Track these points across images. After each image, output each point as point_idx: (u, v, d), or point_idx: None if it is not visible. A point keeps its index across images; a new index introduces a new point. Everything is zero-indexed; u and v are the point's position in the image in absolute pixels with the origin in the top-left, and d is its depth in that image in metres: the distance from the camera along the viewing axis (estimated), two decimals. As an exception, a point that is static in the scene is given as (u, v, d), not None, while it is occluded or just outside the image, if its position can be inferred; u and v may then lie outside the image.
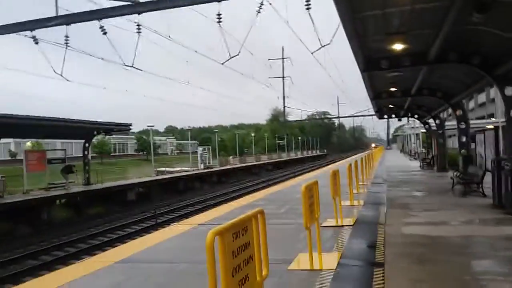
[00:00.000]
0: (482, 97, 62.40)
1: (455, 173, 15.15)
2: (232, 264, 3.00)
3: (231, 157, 60.77)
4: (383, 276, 5.39)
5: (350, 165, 11.62)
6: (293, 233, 8.15)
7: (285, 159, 74.23)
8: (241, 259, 3.15)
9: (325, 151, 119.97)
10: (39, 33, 16.36)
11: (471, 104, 70.36)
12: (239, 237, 3.16)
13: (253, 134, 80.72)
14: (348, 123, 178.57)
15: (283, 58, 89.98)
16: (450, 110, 24.39)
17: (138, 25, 15.41)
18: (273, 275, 5.41)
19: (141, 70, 20.12)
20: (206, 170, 42.14)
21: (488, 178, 11.33)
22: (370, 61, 11.97)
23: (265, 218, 3.72)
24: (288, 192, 15.67)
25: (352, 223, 8.79)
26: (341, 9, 7.59)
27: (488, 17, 7.44)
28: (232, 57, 16.54)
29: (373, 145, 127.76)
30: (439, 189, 14.62)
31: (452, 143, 41.42)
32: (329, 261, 6.02)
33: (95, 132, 28.26)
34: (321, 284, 5.11)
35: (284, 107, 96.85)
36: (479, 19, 7.35)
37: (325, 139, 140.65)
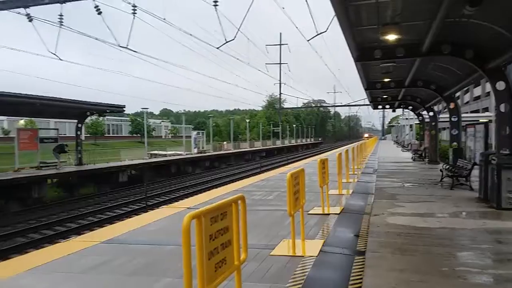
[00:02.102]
0: (478, 91, 62.61)
1: (444, 166, 15.28)
2: (209, 247, 3.05)
3: (225, 143, 60.76)
4: (363, 265, 5.47)
5: (340, 154, 11.68)
6: (280, 220, 8.24)
7: (279, 146, 74.35)
8: (218, 242, 3.19)
9: (320, 139, 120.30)
10: (33, 11, 16.19)
11: (467, 98, 70.60)
12: (217, 221, 3.21)
13: (248, 120, 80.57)
14: (344, 112, 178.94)
15: (280, 44, 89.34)
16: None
17: (134, 6, 15.24)
18: (254, 260, 5.49)
19: (136, 52, 19.97)
20: (199, 155, 42.15)
21: (476, 171, 11.42)
22: (364, 51, 11.93)
23: (245, 204, 3.76)
24: (279, 179, 15.75)
25: (338, 212, 8.89)
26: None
27: (481, 10, 7.44)
28: (228, 41, 16.46)
29: (365, 135, 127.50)
30: (427, 181, 14.73)
31: (446, 135, 41.60)
32: (312, 248, 6.10)
33: (88, 113, 28.18)
34: (302, 270, 5.18)
35: (280, 94, 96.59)
36: (471, 11, 7.35)
37: (320, 127, 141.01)
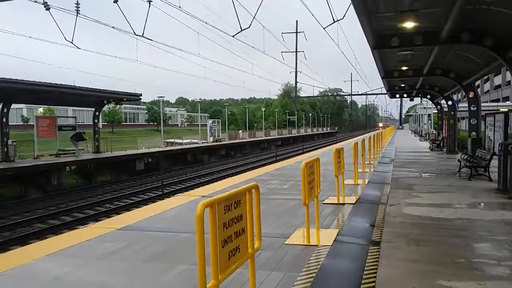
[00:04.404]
0: (498, 80, 61.32)
1: (462, 156, 15.05)
2: (222, 235, 3.06)
3: (240, 131, 60.85)
4: (378, 255, 5.45)
5: (356, 144, 11.60)
6: (295, 209, 8.23)
7: (294, 135, 74.18)
8: (232, 231, 3.20)
9: (336, 128, 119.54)
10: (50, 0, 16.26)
11: (487, 87, 69.25)
12: (231, 209, 3.21)
13: (263, 109, 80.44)
14: (360, 101, 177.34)
15: (296, 32, 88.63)
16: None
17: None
18: (269, 249, 5.51)
19: (151, 40, 20.01)
20: (215, 143, 42.32)
21: (495, 162, 11.23)
22: (381, 39, 11.75)
23: (259, 193, 3.76)
24: (294, 168, 15.72)
25: (353, 202, 8.84)
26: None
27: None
28: (243, 29, 16.36)
29: (380, 124, 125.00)
30: (445, 171, 14.55)
31: (465, 125, 40.94)
32: (327, 237, 6.09)
33: (105, 101, 28.46)
34: (316, 259, 5.18)
35: (296, 82, 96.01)
36: (491, -1, 7.17)
37: (336, 116, 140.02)
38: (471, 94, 18.70)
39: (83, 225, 11.81)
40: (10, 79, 19.76)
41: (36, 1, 15.89)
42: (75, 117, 29.94)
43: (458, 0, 8.12)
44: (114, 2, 15.82)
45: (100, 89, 25.86)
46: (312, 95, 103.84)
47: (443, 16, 9.67)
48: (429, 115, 56.15)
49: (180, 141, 42.25)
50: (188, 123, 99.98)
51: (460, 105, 34.97)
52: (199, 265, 2.81)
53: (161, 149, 34.03)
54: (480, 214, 7.81)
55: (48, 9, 16.32)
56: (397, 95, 33.81)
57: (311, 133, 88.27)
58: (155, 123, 79.68)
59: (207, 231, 2.85)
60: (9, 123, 22.76)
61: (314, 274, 4.65)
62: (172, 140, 41.78)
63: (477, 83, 28.78)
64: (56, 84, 22.24)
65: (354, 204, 8.66)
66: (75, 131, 26.43)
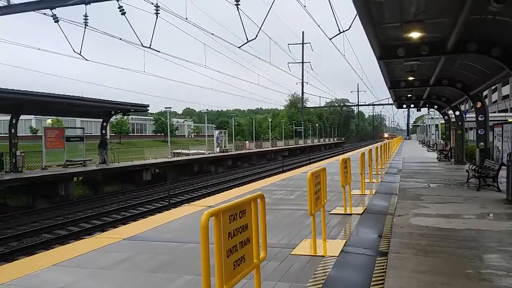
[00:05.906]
0: (506, 90, 60.99)
1: (471, 166, 14.94)
2: (227, 245, 3.05)
3: (247, 142, 60.86)
4: (385, 265, 5.39)
5: (363, 154, 11.56)
6: (301, 219, 8.19)
7: (301, 145, 74.06)
8: (237, 240, 3.19)
9: (343, 139, 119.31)
10: (59, 12, 16.47)
11: (494, 97, 68.88)
12: (236, 219, 3.20)
13: (270, 120, 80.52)
14: (367, 112, 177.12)
15: (302, 43, 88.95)
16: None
17: (156, 6, 15.39)
18: (275, 259, 5.48)
19: (158, 51, 20.17)
20: (221, 154, 42.35)
21: (504, 172, 11.12)
22: (387, 49, 11.73)
23: (265, 203, 3.75)
24: (301, 178, 15.67)
25: (361, 212, 8.78)
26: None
27: (507, 7, 7.23)
28: (250, 40, 16.43)
29: (385, 135, 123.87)
30: (453, 182, 14.42)
31: (472, 135, 40.67)
32: (334, 248, 6.04)
33: (113, 112, 28.67)
34: (323, 269, 5.14)
35: (303, 93, 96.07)
36: (497, 8, 7.15)
37: (343, 127, 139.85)
38: (479, 104, 18.59)
39: (89, 235, 11.83)
40: (19, 90, 19.97)
41: (45, 14, 16.10)
42: (83, 128, 30.12)
43: (463, 10, 8.12)
44: (122, 14, 15.98)
45: (107, 100, 26.08)
46: (318, 106, 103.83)
47: (449, 26, 9.66)
48: (436, 126, 55.87)
49: (187, 151, 42.30)
50: (195, 134, 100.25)
51: (467, 115, 34.81)
52: (203, 275, 2.81)
53: (168, 159, 34.10)
54: (489, 225, 7.72)
55: (57, 21, 16.52)
56: (404, 106, 33.76)
57: (317, 143, 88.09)
58: (162, 134, 79.97)
59: (212, 241, 2.84)
60: (18, 134, 22.96)
61: (320, 285, 4.61)
62: (179, 151, 41.81)
63: (484, 93, 28.68)
64: (64, 95, 22.45)
65: (361, 214, 8.60)
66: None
